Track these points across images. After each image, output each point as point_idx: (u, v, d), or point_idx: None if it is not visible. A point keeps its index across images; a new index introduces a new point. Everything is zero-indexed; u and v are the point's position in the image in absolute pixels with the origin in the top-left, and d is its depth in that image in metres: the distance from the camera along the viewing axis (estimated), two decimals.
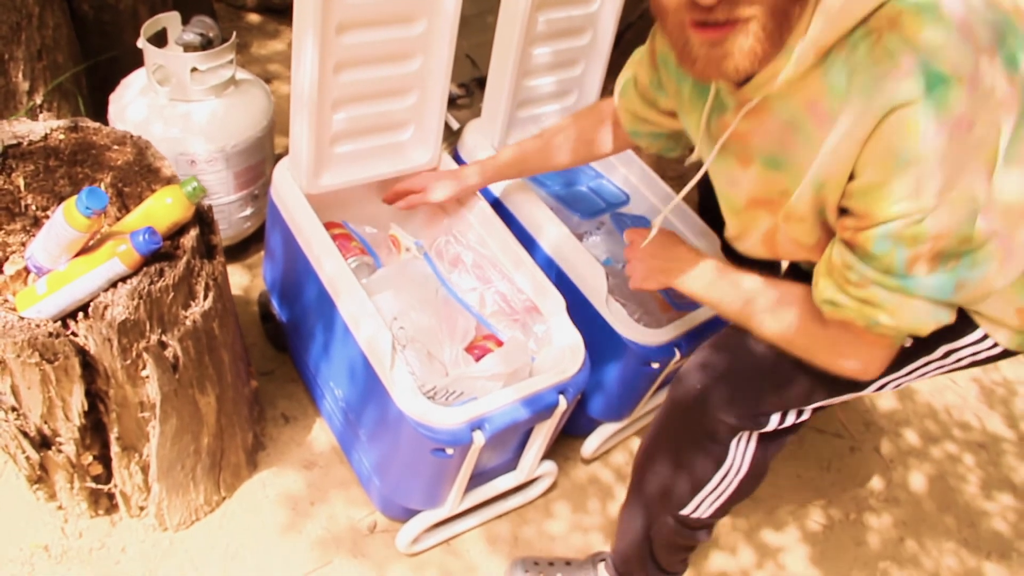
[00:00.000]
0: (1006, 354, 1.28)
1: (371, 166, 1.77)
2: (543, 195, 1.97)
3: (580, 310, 1.67)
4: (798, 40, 1.02)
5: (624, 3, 1.92)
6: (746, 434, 1.38)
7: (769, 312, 1.24)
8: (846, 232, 1.07)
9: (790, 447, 1.65)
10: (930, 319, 1.08)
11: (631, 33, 2.72)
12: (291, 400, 1.89)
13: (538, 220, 1.82)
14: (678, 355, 1.67)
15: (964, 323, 1.22)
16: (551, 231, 1.79)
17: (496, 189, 1.89)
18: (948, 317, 1.09)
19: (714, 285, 1.34)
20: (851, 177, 1.03)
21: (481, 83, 2.75)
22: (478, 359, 1.61)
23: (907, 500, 2.19)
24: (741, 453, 1.41)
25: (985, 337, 1.23)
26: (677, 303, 1.77)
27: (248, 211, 2.07)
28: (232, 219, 2.05)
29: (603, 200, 2.03)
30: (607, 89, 1.85)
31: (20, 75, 1.92)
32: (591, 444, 1.92)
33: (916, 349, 1.26)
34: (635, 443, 2.05)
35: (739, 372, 1.36)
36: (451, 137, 2.40)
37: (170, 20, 1.93)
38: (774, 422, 1.36)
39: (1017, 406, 2.62)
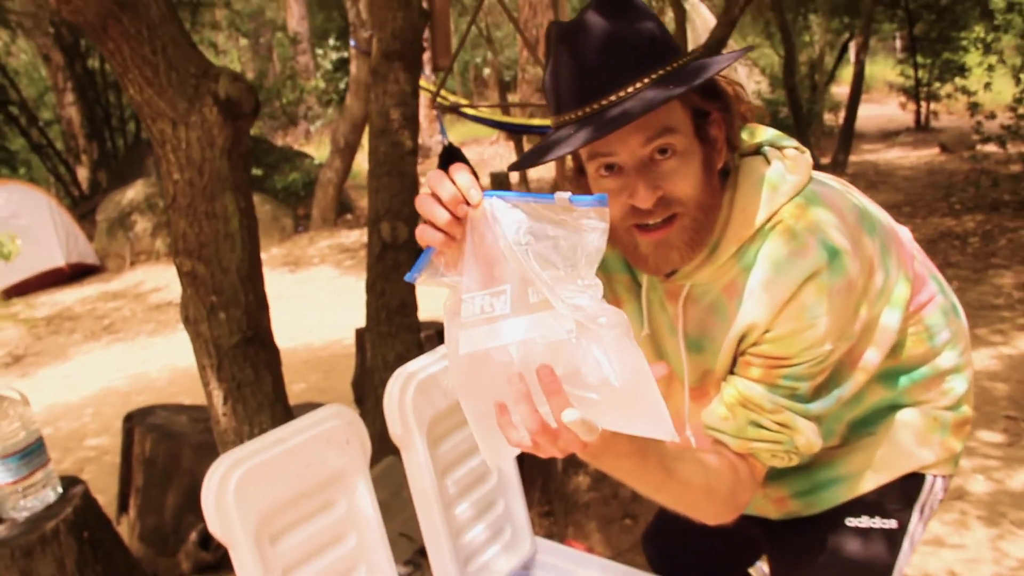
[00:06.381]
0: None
1: None
2: None
3: None
4: (714, 236, 1.25)
5: None
6: None
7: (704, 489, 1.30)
8: (754, 370, 1.26)
9: None
10: (816, 439, 1.29)
11: None
12: None
13: None
14: None
15: (919, 482, 1.47)
16: None
17: None
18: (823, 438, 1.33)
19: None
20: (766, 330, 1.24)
21: (423, 552, 2.80)
22: None
23: None
24: None
25: (935, 479, 1.49)
26: None
27: None
28: None
29: None
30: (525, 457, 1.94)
31: None
32: None
33: (902, 526, 1.48)
34: None
35: None
36: None
37: None
38: None
39: None
